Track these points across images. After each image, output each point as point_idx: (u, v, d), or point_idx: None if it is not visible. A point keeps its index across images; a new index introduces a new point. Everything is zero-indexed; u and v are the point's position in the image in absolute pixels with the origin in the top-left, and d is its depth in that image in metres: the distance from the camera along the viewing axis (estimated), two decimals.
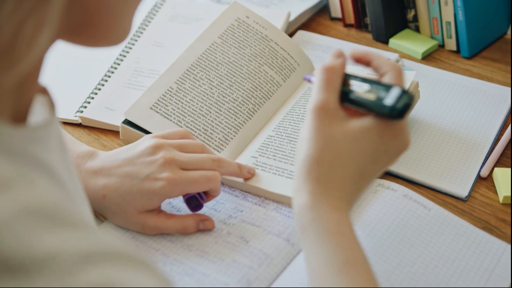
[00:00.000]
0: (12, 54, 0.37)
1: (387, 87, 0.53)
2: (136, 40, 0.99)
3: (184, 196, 0.69)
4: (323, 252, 0.51)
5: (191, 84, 0.82)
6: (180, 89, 0.82)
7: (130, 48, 0.97)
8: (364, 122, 0.54)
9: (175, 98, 0.81)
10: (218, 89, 0.82)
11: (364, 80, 0.56)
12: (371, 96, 0.54)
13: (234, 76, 0.84)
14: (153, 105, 0.80)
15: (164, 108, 0.80)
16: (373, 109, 0.53)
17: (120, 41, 0.49)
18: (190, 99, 0.81)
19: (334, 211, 0.53)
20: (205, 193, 0.69)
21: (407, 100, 0.52)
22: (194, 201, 0.69)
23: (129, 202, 0.66)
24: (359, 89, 0.55)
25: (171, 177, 0.65)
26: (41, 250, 0.32)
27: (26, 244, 0.31)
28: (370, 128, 0.54)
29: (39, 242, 0.32)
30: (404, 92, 0.52)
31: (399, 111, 0.52)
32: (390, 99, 0.52)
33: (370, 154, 0.54)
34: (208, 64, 0.84)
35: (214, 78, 0.83)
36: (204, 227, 0.69)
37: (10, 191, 0.33)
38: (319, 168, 0.53)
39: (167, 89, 0.81)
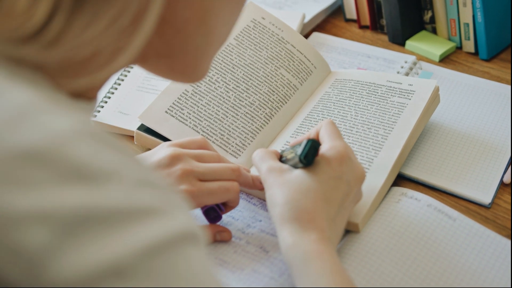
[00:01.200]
0: (86, 68, 0.40)
1: (301, 144, 0.62)
2: None
3: (202, 208, 0.67)
4: (307, 280, 0.55)
5: (206, 87, 0.81)
6: (195, 92, 0.80)
7: None
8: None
9: (191, 102, 0.79)
10: (235, 92, 0.81)
11: (293, 147, 0.64)
12: (292, 155, 0.63)
13: (250, 79, 0.82)
14: (168, 109, 0.78)
15: (180, 112, 0.78)
16: (294, 163, 0.62)
17: (196, 80, 0.53)
18: (206, 102, 0.79)
19: (311, 243, 0.56)
20: (224, 204, 0.68)
21: (308, 148, 0.60)
22: (213, 213, 0.68)
23: None
24: (289, 154, 0.64)
25: (189, 190, 0.64)
26: (109, 163, 0.34)
27: (96, 155, 0.34)
28: (317, 162, 0.61)
29: (107, 155, 0.34)
30: (308, 141, 0.61)
31: (304, 157, 0.60)
32: (299, 151, 0.61)
33: (326, 181, 0.60)
34: (223, 66, 0.83)
35: (230, 81, 0.81)
36: (221, 238, 0.67)
37: (69, 113, 0.35)
38: (287, 208, 0.59)
39: (182, 92, 0.80)
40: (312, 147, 0.61)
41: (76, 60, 0.39)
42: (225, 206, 0.68)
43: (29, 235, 0.31)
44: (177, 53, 0.47)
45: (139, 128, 0.79)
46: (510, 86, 0.89)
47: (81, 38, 0.37)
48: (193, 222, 0.37)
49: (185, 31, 0.45)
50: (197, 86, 0.80)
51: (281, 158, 0.66)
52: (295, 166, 0.62)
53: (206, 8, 0.45)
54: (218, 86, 0.81)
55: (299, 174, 0.61)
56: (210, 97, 0.80)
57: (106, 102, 0.87)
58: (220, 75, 0.82)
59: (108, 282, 0.32)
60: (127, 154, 0.36)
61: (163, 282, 0.33)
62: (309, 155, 0.60)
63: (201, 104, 0.79)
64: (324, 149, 0.63)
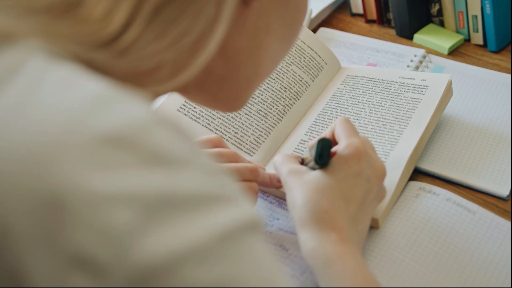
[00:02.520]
0: (146, 80, 0.41)
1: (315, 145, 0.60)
2: None
3: None
4: (330, 282, 0.54)
5: None
6: None
7: None
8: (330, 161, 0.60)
9: None
10: None
11: (310, 149, 0.62)
12: (309, 158, 0.62)
13: None
14: (180, 107, 0.78)
15: (192, 110, 0.77)
16: (312, 165, 0.61)
17: (235, 110, 0.54)
18: None
19: (332, 245, 0.55)
20: None
21: (320, 148, 0.59)
22: None
23: None
24: (308, 158, 0.63)
25: None
26: (186, 149, 0.35)
27: (174, 141, 0.34)
28: (335, 162, 0.60)
29: (183, 142, 0.35)
30: (319, 141, 0.59)
31: (319, 157, 0.59)
32: (313, 152, 0.60)
33: (344, 179, 0.59)
34: None
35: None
36: None
37: (143, 104, 0.35)
38: (306, 209, 0.57)
39: None
40: (325, 146, 0.59)
41: (139, 71, 0.40)
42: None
43: (115, 215, 0.31)
44: (225, 81, 0.48)
45: None
46: None
47: (147, 51, 0.39)
48: (256, 212, 0.37)
49: (237, 61, 0.47)
50: None
51: (303, 162, 0.64)
52: (313, 168, 0.61)
53: (260, 41, 0.47)
54: None
55: (316, 174, 0.60)
56: None
57: None
58: None
59: (186, 264, 0.32)
60: (196, 144, 0.37)
61: (233, 267, 0.33)
62: (324, 155, 0.59)
63: None
64: (340, 147, 0.61)
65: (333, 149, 0.61)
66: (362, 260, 0.56)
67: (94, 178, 0.31)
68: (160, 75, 0.42)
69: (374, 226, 0.66)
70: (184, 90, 0.50)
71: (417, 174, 0.75)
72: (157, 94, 0.45)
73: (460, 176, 0.74)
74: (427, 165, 0.75)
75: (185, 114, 0.77)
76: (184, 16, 0.39)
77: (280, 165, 0.63)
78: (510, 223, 0.67)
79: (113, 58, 0.38)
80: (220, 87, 0.49)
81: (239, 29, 0.45)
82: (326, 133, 0.66)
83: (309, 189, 0.58)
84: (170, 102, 0.78)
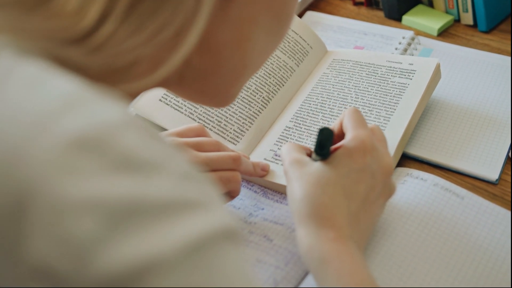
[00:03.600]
0: (123, 76, 0.40)
1: None
2: None
3: None
4: (326, 281, 0.51)
5: None
6: None
7: None
8: (332, 155, 0.57)
9: None
10: None
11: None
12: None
13: None
14: (162, 97, 0.76)
15: (174, 99, 0.76)
16: (314, 156, 0.57)
17: (224, 105, 0.52)
18: None
19: (328, 242, 0.53)
20: (225, 193, 0.66)
21: (320, 138, 0.55)
22: None
23: None
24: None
25: None
26: (157, 153, 0.33)
27: (145, 146, 0.33)
28: (339, 155, 0.56)
29: (155, 146, 0.33)
30: (319, 131, 0.55)
31: (319, 148, 0.55)
32: (314, 144, 0.56)
33: (347, 174, 0.56)
34: None
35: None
36: None
37: (118, 104, 0.34)
38: (304, 204, 0.54)
39: None
40: (326, 136, 0.55)
41: (115, 67, 0.39)
42: (227, 196, 0.66)
43: (77, 224, 0.30)
44: (210, 75, 0.46)
45: None
46: (511, 58, 0.87)
47: (123, 46, 0.37)
48: (233, 219, 0.35)
49: (221, 54, 0.45)
50: None
51: (311, 154, 0.60)
52: (315, 160, 0.57)
53: (245, 34, 0.45)
54: None
55: (318, 167, 0.56)
56: None
57: None
58: None
59: (151, 276, 0.30)
60: (171, 147, 0.35)
61: (201, 279, 0.32)
62: (327, 146, 0.55)
63: None
64: (346, 139, 0.58)
65: (340, 143, 0.58)
66: (362, 260, 0.53)
67: (58, 185, 0.30)
68: (137, 72, 0.40)
69: None
70: (169, 85, 0.48)
71: (405, 159, 0.73)
72: (135, 92, 0.44)
73: (449, 160, 0.72)
74: (415, 150, 0.74)
75: (167, 104, 0.75)
76: (162, 10, 0.37)
77: (285, 154, 0.60)
78: (500, 207, 0.65)
79: (86, 55, 0.36)
80: (206, 81, 0.47)
81: (221, 22, 0.43)
82: (334, 124, 0.62)
83: (309, 183, 0.55)
84: (152, 92, 0.76)
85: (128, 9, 0.36)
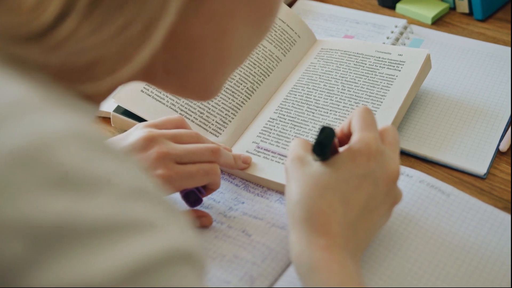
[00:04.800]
0: (87, 74, 0.37)
1: None
2: None
3: (181, 192, 0.64)
4: None
5: None
6: None
7: None
8: (334, 157, 0.54)
9: None
10: None
11: None
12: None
13: None
14: (144, 88, 0.74)
15: (156, 90, 0.74)
16: (315, 157, 0.54)
17: (208, 98, 0.50)
18: None
19: (319, 251, 0.50)
20: (204, 186, 0.64)
21: (319, 137, 0.51)
22: (193, 196, 0.64)
23: None
24: None
25: (166, 174, 0.60)
26: (100, 170, 0.31)
27: (86, 162, 0.31)
28: (341, 157, 0.53)
29: (98, 162, 0.31)
30: (320, 130, 0.51)
31: (316, 149, 0.52)
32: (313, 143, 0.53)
33: (348, 179, 0.53)
34: None
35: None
36: (201, 224, 0.64)
37: (64, 114, 0.32)
38: (300, 207, 0.52)
39: None
40: (326, 135, 0.51)
41: (78, 65, 0.36)
42: (206, 189, 0.65)
43: (6, 246, 0.28)
44: (187, 70, 0.44)
45: (115, 110, 0.75)
46: (508, 47, 0.84)
47: (86, 44, 0.35)
48: (191, 239, 0.33)
49: (197, 49, 0.43)
50: None
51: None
52: (315, 160, 0.54)
53: (223, 28, 0.43)
54: None
55: (318, 169, 0.53)
56: None
57: None
58: None
59: None
60: (123, 160, 0.33)
61: None
62: (326, 146, 0.51)
63: None
64: (352, 141, 0.54)
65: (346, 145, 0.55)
66: (353, 272, 0.50)
67: None
68: (101, 70, 0.38)
69: None
70: (145, 80, 0.46)
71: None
72: (103, 90, 0.41)
73: (436, 154, 0.70)
74: (401, 144, 0.72)
75: (149, 95, 0.74)
76: (128, 5, 0.35)
77: (290, 149, 0.57)
78: (487, 205, 0.63)
79: (45, 53, 0.34)
80: (184, 76, 0.45)
81: (194, 16, 0.41)
82: (343, 124, 0.58)
83: (307, 185, 0.52)
84: (133, 83, 0.74)
85: (91, 4, 0.34)
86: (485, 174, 0.68)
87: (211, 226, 0.64)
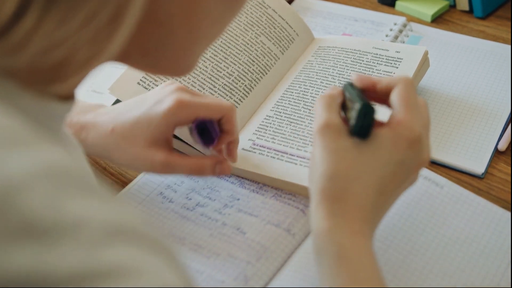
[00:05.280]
0: (59, 73, 0.35)
1: (355, 104, 0.49)
2: None
3: (196, 127, 0.62)
4: (337, 281, 0.46)
5: None
6: None
7: None
8: (375, 134, 0.50)
9: None
10: (212, 62, 0.75)
11: (356, 96, 0.51)
12: (350, 114, 0.50)
13: (229, 47, 0.77)
14: (140, 80, 0.72)
15: (153, 83, 0.72)
16: (351, 127, 0.50)
17: (181, 75, 0.48)
18: None
19: (352, 236, 0.47)
20: (220, 130, 0.63)
21: (362, 118, 0.48)
22: (207, 134, 0.62)
23: (137, 133, 0.61)
24: (350, 108, 0.52)
25: (180, 98, 0.60)
26: (68, 214, 0.28)
27: (53, 206, 0.28)
28: (382, 137, 0.50)
29: (66, 205, 0.29)
30: (361, 108, 0.48)
31: (358, 130, 0.49)
32: (353, 118, 0.49)
33: (386, 164, 0.49)
34: None
35: (207, 50, 0.76)
36: (220, 171, 0.62)
37: (30, 150, 0.29)
38: (333, 183, 0.49)
39: None
40: (367, 116, 0.48)
41: (48, 64, 0.34)
42: (222, 132, 0.63)
43: None
44: (159, 48, 0.43)
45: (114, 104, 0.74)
46: (507, 45, 0.84)
47: (52, 39, 0.32)
48: (179, 277, 0.30)
49: (168, 27, 0.41)
50: None
51: (344, 105, 0.53)
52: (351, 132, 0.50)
53: (193, 5, 0.41)
54: None
55: (357, 146, 0.49)
56: None
57: None
58: None
59: None
60: (99, 196, 0.31)
61: None
62: (365, 127, 0.49)
63: None
64: (395, 120, 0.50)
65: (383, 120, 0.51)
66: (378, 265, 0.48)
67: None
68: (73, 66, 0.35)
69: None
70: (117, 61, 0.45)
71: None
72: (78, 83, 0.40)
73: (434, 153, 0.69)
74: None
75: (146, 88, 0.73)
76: None
77: (318, 112, 0.52)
78: (481, 198, 0.63)
79: (8, 56, 0.32)
80: (158, 54, 0.43)
81: None
82: (381, 83, 0.53)
83: (344, 162, 0.49)
84: (130, 75, 0.73)
85: None
86: (483, 174, 0.67)
87: (205, 223, 0.63)
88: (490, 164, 0.68)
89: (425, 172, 0.64)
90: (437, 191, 0.63)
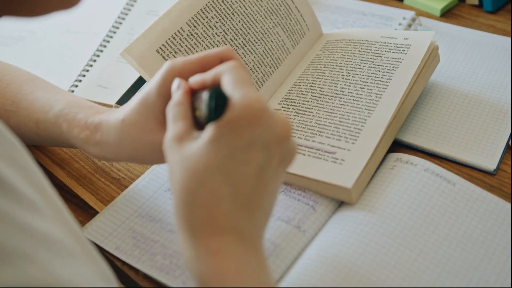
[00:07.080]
0: None
1: (203, 96, 0.47)
2: (129, 10, 0.92)
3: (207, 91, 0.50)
4: None
5: (204, 31, 0.70)
6: (192, 34, 0.69)
7: (123, 19, 0.90)
8: (211, 130, 0.45)
9: (186, 45, 0.68)
10: (231, 46, 0.72)
11: (199, 93, 0.49)
12: (199, 113, 0.48)
13: (248, 33, 0.74)
14: (160, 48, 0.66)
15: (173, 55, 0.67)
16: (205, 122, 0.46)
17: None
18: (202, 49, 0.69)
19: (210, 258, 0.44)
20: None
21: (213, 105, 0.44)
22: (216, 99, 0.48)
23: (142, 118, 0.54)
24: (198, 109, 0.49)
25: (168, 64, 0.53)
26: None
27: None
28: (219, 130, 0.45)
29: None
30: (211, 95, 0.44)
31: (213, 116, 0.45)
32: (204, 109, 0.45)
33: (232, 155, 0.44)
34: (223, 9, 0.72)
35: (228, 30, 0.72)
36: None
37: None
38: (179, 199, 0.45)
39: (178, 30, 0.67)
40: (220, 102, 0.44)
41: None
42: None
43: None
44: None
45: (118, 102, 0.74)
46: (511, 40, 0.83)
47: None
48: None
49: None
50: (195, 26, 0.69)
51: (194, 108, 0.50)
52: (203, 123, 0.47)
53: None
54: (216, 33, 0.71)
55: (196, 149, 0.45)
56: (207, 43, 0.70)
57: (84, 75, 0.82)
58: (219, 19, 0.71)
59: None
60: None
61: None
62: (218, 108, 0.44)
63: (197, 51, 0.69)
64: (229, 107, 0.45)
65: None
66: (253, 270, 0.45)
67: None
68: None
69: (347, 199, 0.62)
70: None
71: (399, 147, 0.70)
72: None
73: (445, 149, 0.69)
74: (410, 138, 0.70)
75: (164, 58, 0.66)
76: None
77: (168, 119, 0.49)
78: (493, 195, 0.62)
79: None
80: None
81: None
82: (208, 78, 0.49)
83: (186, 172, 0.45)
84: (149, 38, 0.66)
85: None
86: (495, 170, 0.66)
87: None
88: (502, 160, 0.67)
89: (436, 169, 0.64)
90: (449, 188, 0.62)
